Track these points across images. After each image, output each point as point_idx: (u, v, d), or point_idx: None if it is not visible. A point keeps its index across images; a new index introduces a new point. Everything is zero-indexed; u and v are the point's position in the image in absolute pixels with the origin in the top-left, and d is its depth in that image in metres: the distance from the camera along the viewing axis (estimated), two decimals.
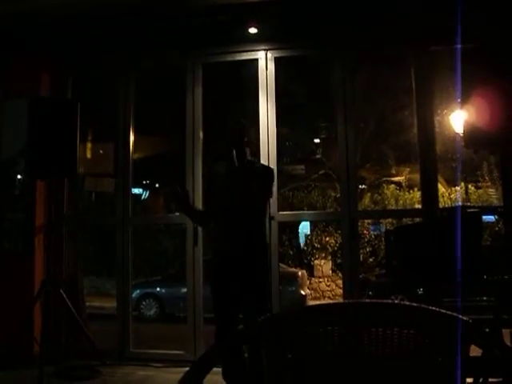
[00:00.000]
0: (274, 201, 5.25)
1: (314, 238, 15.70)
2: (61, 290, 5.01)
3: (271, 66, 5.75)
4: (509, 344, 4.05)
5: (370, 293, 11.31)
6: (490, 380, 3.64)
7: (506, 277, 3.99)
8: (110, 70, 6.42)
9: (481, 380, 3.51)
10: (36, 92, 5.78)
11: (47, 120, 5.02)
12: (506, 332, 3.84)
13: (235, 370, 3.91)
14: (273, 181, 4.28)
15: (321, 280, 15.43)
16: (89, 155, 7.21)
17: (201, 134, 5.89)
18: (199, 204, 5.38)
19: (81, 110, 5.19)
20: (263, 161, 5.48)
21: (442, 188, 13.31)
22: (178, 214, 4.24)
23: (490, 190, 14.75)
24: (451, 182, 14.83)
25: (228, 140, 3.98)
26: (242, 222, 3.94)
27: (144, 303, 12.87)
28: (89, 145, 7.16)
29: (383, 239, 12.32)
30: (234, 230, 3.96)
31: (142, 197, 18.65)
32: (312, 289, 15.10)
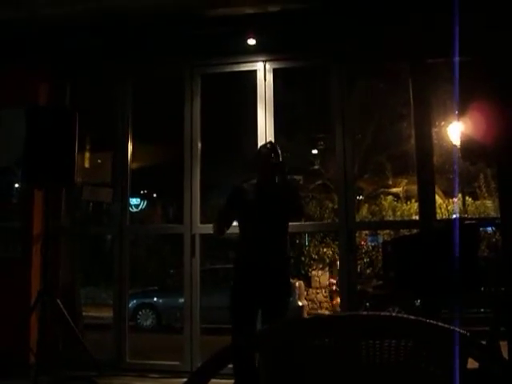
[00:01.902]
0: None
1: (311, 249, 15.68)
2: (57, 300, 4.99)
3: (269, 77, 5.77)
4: (506, 356, 4.05)
5: (367, 304, 11.28)
6: None
7: (503, 288, 4.00)
8: (109, 80, 6.44)
9: None
10: (34, 101, 5.78)
11: (45, 129, 5.03)
12: (503, 344, 3.84)
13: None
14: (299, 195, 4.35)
15: (318, 291, 15.40)
16: (87, 164, 7.20)
17: (199, 144, 5.90)
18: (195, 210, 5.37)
19: (79, 119, 5.20)
20: None
21: (439, 199, 13.33)
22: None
23: (488, 201, 14.77)
24: (449, 194, 14.84)
25: (261, 164, 4.10)
26: (270, 234, 3.99)
27: (141, 313, 12.84)
28: (87, 154, 7.16)
29: (380, 250, 12.30)
30: (265, 239, 4.00)
31: (140, 206, 18.64)
32: (309, 300, 15.06)
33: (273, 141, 5.22)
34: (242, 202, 4.12)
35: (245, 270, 4.07)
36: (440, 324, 1.28)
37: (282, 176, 4.11)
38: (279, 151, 4.20)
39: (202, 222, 5.69)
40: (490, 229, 12.40)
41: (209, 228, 4.94)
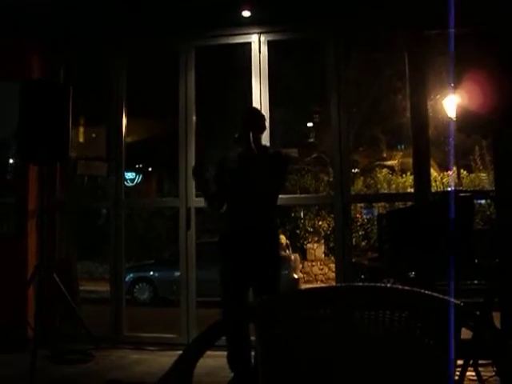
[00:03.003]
0: None
1: (306, 222, 15.74)
2: (54, 275, 5.01)
3: (264, 49, 5.72)
4: (499, 326, 4.10)
5: (363, 276, 11.36)
6: (480, 362, 3.68)
7: (497, 260, 4.03)
8: (103, 54, 6.38)
9: (471, 361, 3.55)
10: (27, 75, 5.72)
11: (39, 103, 4.99)
12: (495, 314, 3.88)
13: (240, 356, 3.92)
14: (286, 167, 4.29)
15: (313, 264, 15.50)
16: (81, 139, 7.18)
17: (194, 117, 5.87)
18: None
19: (73, 94, 5.16)
20: None
21: (434, 172, 13.36)
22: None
23: (482, 174, 14.82)
24: (443, 167, 14.88)
25: (241, 128, 4.01)
26: (254, 203, 3.94)
27: (137, 287, 12.90)
28: (81, 128, 7.13)
29: (376, 223, 12.35)
30: (246, 210, 3.95)
31: (135, 180, 18.63)
32: (305, 272, 15.17)
33: (258, 107, 5.15)
34: (226, 172, 4.09)
35: (230, 242, 4.04)
36: (434, 294, 1.29)
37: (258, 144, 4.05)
38: (260, 117, 4.18)
39: (197, 196, 5.69)
40: (484, 201, 12.46)
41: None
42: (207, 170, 4.18)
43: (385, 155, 16.58)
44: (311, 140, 17.04)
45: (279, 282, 4.00)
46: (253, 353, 3.86)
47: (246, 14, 5.57)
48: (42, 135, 4.94)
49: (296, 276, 12.43)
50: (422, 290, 1.30)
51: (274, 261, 4.04)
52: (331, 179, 9.49)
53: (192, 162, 5.74)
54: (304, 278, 14.79)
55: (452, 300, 1.28)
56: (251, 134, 3.94)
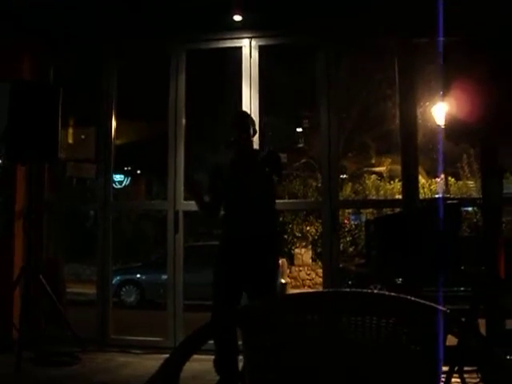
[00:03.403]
0: None
1: (294, 227, 15.74)
2: (40, 276, 4.98)
3: (255, 54, 5.73)
4: (484, 333, 4.12)
5: (350, 282, 11.39)
6: (465, 368, 3.70)
7: (483, 267, 4.05)
8: (93, 55, 6.36)
9: (456, 368, 3.57)
10: (18, 76, 5.70)
11: (29, 104, 4.97)
12: (481, 322, 3.91)
13: (227, 360, 3.91)
14: (280, 167, 4.28)
15: (301, 269, 15.50)
16: (70, 140, 7.15)
17: (183, 121, 5.86)
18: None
19: (63, 95, 5.15)
20: None
21: (422, 179, 13.42)
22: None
23: (470, 182, 14.90)
24: (431, 174, 14.95)
25: (233, 133, 4.01)
26: (250, 209, 3.93)
27: (124, 289, 12.84)
28: (70, 130, 7.10)
29: (363, 229, 12.38)
30: (243, 215, 3.95)
31: (124, 183, 18.56)
32: (292, 277, 15.17)
33: (248, 112, 5.14)
34: (220, 179, 4.09)
35: (228, 247, 4.05)
36: (421, 301, 1.30)
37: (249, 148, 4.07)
38: (251, 120, 4.19)
39: (185, 199, 5.68)
40: (471, 209, 12.53)
41: (192, 205, 4.91)
42: (198, 182, 4.19)
43: (373, 161, 16.64)
44: (300, 145, 17.07)
45: (274, 287, 4.01)
46: (240, 357, 3.86)
47: (237, 18, 5.58)
48: (31, 135, 4.92)
49: (283, 281, 12.42)
50: (409, 297, 1.31)
51: (270, 266, 4.03)
52: (320, 185, 9.49)
53: (181, 164, 5.74)
54: (291, 283, 14.79)
55: (438, 307, 1.29)
56: (243, 138, 3.96)
